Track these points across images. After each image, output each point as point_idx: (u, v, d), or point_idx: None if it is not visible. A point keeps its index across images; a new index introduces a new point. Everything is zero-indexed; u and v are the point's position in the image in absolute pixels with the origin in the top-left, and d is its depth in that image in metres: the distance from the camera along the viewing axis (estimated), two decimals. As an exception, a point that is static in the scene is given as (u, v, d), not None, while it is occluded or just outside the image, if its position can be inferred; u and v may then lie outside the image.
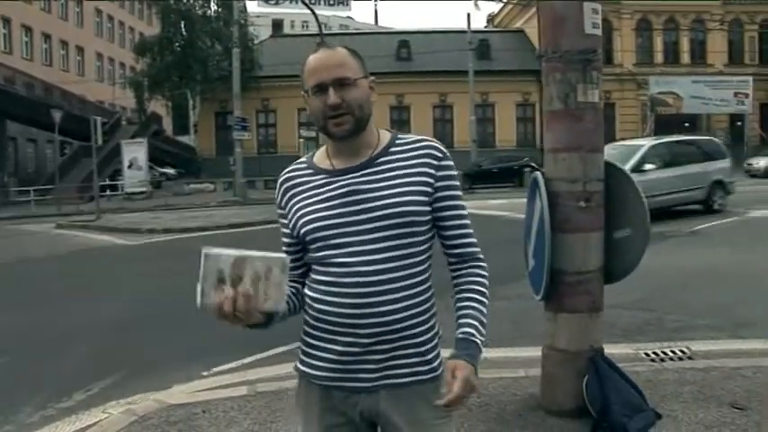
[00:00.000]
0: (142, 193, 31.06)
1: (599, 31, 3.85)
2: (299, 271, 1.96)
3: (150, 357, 6.40)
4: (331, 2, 46.76)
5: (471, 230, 1.93)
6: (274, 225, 10.48)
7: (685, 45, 43.34)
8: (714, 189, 15.91)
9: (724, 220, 14.30)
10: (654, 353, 5.38)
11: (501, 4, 49.33)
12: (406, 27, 58.79)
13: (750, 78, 40.36)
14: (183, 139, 47.46)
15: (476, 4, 37.34)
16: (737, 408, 4.06)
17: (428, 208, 1.84)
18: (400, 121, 43.84)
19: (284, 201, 1.93)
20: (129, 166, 31.68)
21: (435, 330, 1.88)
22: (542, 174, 4.02)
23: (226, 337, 6.89)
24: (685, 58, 43.21)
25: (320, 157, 1.94)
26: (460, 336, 1.81)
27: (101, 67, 51.21)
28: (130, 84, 44.11)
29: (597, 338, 4.03)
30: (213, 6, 40.07)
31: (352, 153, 1.86)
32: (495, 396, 4.44)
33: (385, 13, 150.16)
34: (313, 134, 36.07)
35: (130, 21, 55.83)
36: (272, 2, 43.91)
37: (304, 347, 1.94)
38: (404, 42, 44.76)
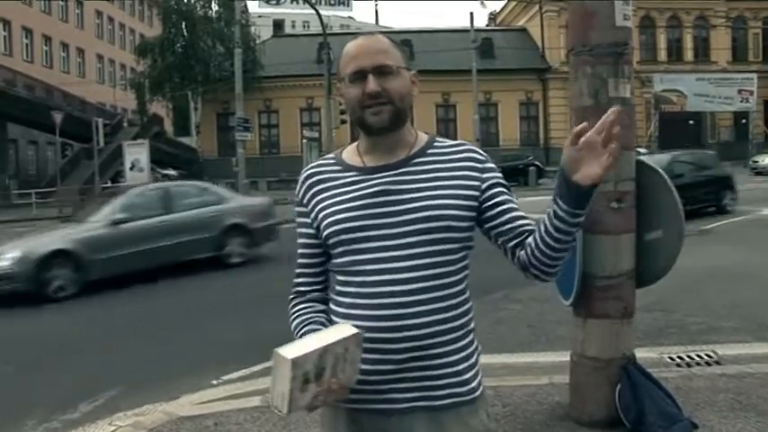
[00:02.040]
0: (144, 195, 30.85)
1: (630, 23, 3.67)
2: (320, 278, 1.81)
3: (158, 366, 6.23)
4: (332, 2, 46.55)
5: (529, 221, 1.73)
6: (280, 227, 10.29)
7: (689, 42, 43.20)
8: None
9: (734, 219, 14.14)
10: (679, 357, 5.22)
11: (504, 2, 49.26)
12: (407, 26, 58.49)
13: (754, 76, 40.21)
14: (185, 140, 47.35)
15: (482, 3, 37.57)
16: (777, 417, 3.88)
17: (467, 213, 1.67)
18: (401, 120, 43.72)
19: (307, 198, 1.77)
20: (131, 168, 31.41)
21: (474, 347, 1.72)
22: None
23: (234, 343, 6.83)
24: (689, 55, 43.07)
25: (350, 153, 1.79)
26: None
27: (101, 69, 51.04)
28: (131, 85, 43.99)
29: (629, 345, 3.84)
30: (215, 7, 40.00)
31: (386, 150, 1.72)
32: (520, 405, 4.26)
33: (385, 13, 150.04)
34: (316, 135, 36.05)
35: (131, 22, 55.65)
36: (273, 2, 43.76)
37: None
38: (406, 41, 44.41)
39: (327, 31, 25.90)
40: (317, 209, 1.73)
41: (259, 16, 48.72)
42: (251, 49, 37.70)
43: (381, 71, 1.66)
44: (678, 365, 5.03)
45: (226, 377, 5.64)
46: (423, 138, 1.77)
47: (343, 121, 26.94)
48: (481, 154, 1.76)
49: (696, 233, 12.41)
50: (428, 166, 1.70)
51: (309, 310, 1.78)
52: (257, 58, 39.04)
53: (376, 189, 1.67)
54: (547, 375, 4.83)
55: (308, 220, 1.76)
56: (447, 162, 1.71)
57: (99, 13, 50.37)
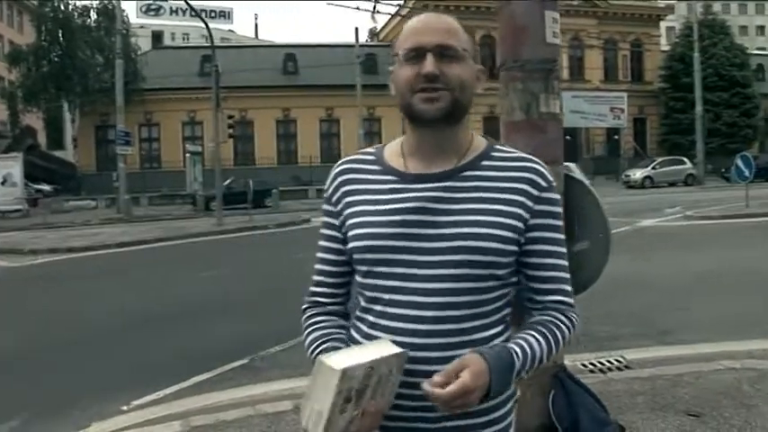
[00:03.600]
0: (18, 210, 29.18)
1: (559, 41, 3.78)
2: (342, 290, 1.58)
3: (56, 393, 5.80)
4: (213, 14, 45.88)
5: (568, 286, 1.51)
6: (167, 243, 10.19)
7: (565, 61, 45.30)
8: None
9: (619, 230, 14.86)
10: (591, 363, 5.42)
11: (386, 20, 49.93)
12: (289, 41, 58.46)
13: (624, 94, 42.71)
14: (59, 153, 45.19)
15: (372, 17, 37.82)
16: (693, 415, 4.10)
17: (513, 248, 1.43)
18: (286, 135, 43.63)
19: (337, 196, 1.53)
20: (3, 183, 29.68)
21: (507, 395, 1.46)
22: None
23: (138, 366, 6.52)
24: (565, 74, 45.10)
25: (392, 152, 1.53)
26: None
27: (-34, 77, 47.98)
28: (2, 95, 41.55)
29: (560, 355, 3.94)
30: (93, 15, 38.38)
31: (434, 152, 1.46)
32: (450, 417, 4.28)
33: (266, 28, 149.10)
34: (199, 149, 35.21)
35: (-1, 29, 52.63)
36: (153, 13, 42.69)
37: None
38: (290, 56, 44.61)
39: (207, 44, 25.33)
40: (346, 213, 1.51)
41: (141, 27, 47.34)
42: (132, 60, 36.47)
43: (443, 52, 1.40)
44: (592, 371, 5.22)
45: (136, 402, 5.34)
46: (479, 144, 1.50)
47: (231, 135, 26.46)
48: (544, 177, 1.46)
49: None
50: (478, 182, 1.44)
51: (329, 324, 1.56)
52: (138, 70, 37.84)
53: (414, 204, 1.42)
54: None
55: (337, 223, 1.53)
56: (501, 180, 1.44)
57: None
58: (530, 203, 1.43)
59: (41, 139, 46.31)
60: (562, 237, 1.50)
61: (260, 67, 40.71)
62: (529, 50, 3.71)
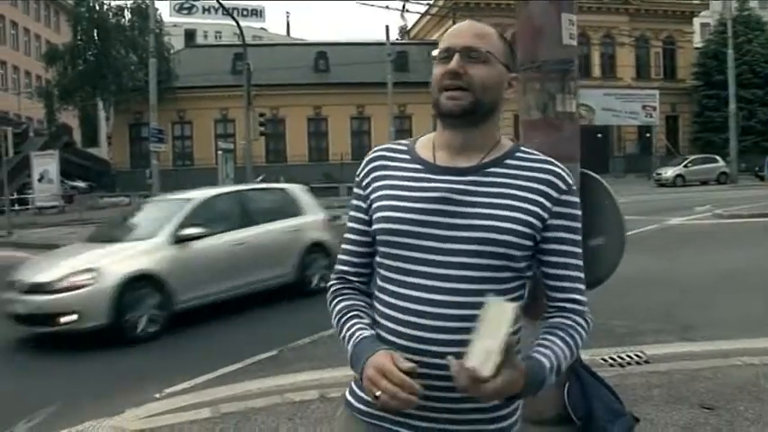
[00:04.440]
0: (54, 207, 29.78)
1: (575, 42, 3.89)
2: (367, 270, 1.65)
3: (92, 382, 6.09)
4: (245, 12, 46.33)
5: (581, 285, 1.57)
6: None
7: (596, 59, 45.02)
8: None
9: (646, 228, 14.82)
10: (611, 358, 5.51)
11: (417, 16, 50.00)
12: (321, 38, 58.85)
13: (656, 92, 42.27)
14: (94, 151, 45.94)
15: (402, 16, 38.00)
16: (707, 408, 4.18)
17: (529, 243, 1.50)
18: (318, 133, 43.89)
19: (367, 181, 1.63)
20: (40, 180, 30.34)
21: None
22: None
23: (171, 357, 6.75)
24: (596, 71, 44.85)
25: (423, 145, 1.63)
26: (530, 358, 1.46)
27: (4, 76, 48.99)
28: (39, 93, 42.38)
29: (575, 346, 4.05)
30: (128, 15, 38.99)
31: (461, 149, 1.55)
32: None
33: (298, 25, 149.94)
34: (231, 146, 35.61)
35: (37, 28, 53.58)
36: (185, 11, 43.22)
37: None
38: (321, 54, 44.79)
39: (239, 43, 25.69)
40: (373, 196, 1.60)
41: (174, 25, 47.92)
42: (165, 59, 36.96)
43: (469, 54, 1.51)
44: (611, 365, 5.31)
45: (168, 390, 5.56)
46: (505, 144, 1.59)
47: (262, 133, 26.80)
48: (565, 180, 1.53)
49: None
50: (501, 179, 1.51)
51: (355, 297, 1.64)
52: (171, 69, 38.35)
53: (438, 194, 1.51)
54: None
55: (364, 205, 1.63)
56: (523, 179, 1.52)
57: (1, 18, 48.36)
58: (549, 204, 1.51)
59: (77, 136, 47.09)
60: (579, 238, 1.57)
61: (291, 65, 40.97)
62: (545, 51, 3.82)
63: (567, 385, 3.94)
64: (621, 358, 5.47)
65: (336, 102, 42.45)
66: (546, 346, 1.47)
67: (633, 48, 45.34)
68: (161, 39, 36.61)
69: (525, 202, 1.50)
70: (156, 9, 31.58)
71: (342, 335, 1.58)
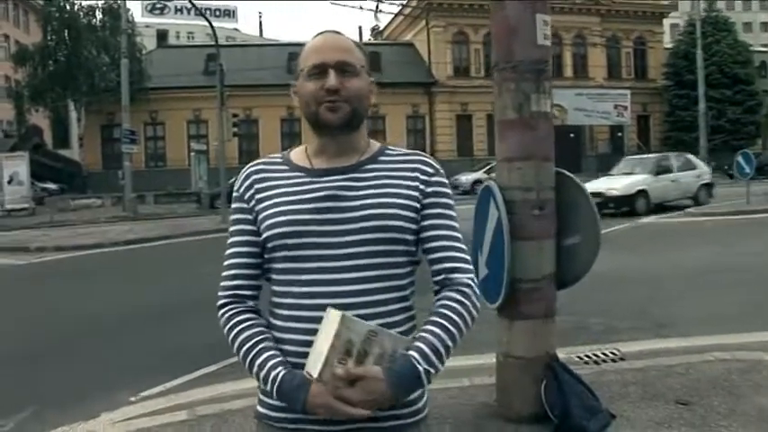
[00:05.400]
0: (24, 209, 29.36)
1: (549, 43, 3.93)
2: (258, 282, 1.68)
3: (67, 385, 5.97)
4: (217, 13, 46.01)
5: (462, 254, 1.65)
6: (172, 240, 10.34)
7: (568, 59, 45.38)
8: None
9: (619, 227, 14.98)
10: (587, 356, 5.56)
11: (389, 19, 50.01)
12: (294, 39, 58.37)
13: (628, 92, 42.70)
14: (65, 152, 45.39)
15: (375, 16, 38.06)
16: (682, 403, 4.23)
17: (414, 226, 1.61)
18: (291, 134, 43.72)
19: (249, 194, 1.67)
20: (10, 182, 29.85)
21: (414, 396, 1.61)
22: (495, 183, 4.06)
23: (145, 359, 6.68)
24: (568, 71, 45.20)
25: (298, 155, 1.71)
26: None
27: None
28: (9, 95, 41.74)
29: (552, 344, 4.10)
30: (99, 15, 38.52)
31: (337, 154, 1.65)
32: (446, 407, 4.41)
33: (271, 26, 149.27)
34: (204, 147, 35.43)
35: (5, 28, 52.72)
36: (157, 11, 42.81)
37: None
38: (295, 54, 43.70)
39: (212, 43, 25.51)
40: (259, 207, 1.64)
41: (146, 26, 47.50)
42: (137, 59, 36.58)
43: (344, 69, 1.60)
44: (586, 363, 5.36)
45: (143, 393, 5.49)
46: (374, 145, 1.72)
47: (236, 134, 26.64)
48: (431, 166, 1.68)
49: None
50: (378, 173, 1.64)
51: (257, 322, 1.64)
52: (143, 69, 37.96)
53: (324, 193, 1.59)
54: (466, 377, 5.01)
55: (250, 217, 1.65)
56: (396, 171, 1.65)
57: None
58: (422, 186, 1.64)
59: (47, 138, 46.51)
60: (454, 214, 1.68)
61: (265, 66, 40.78)
62: (521, 52, 3.86)
63: (543, 383, 3.99)
64: (597, 356, 5.53)
65: (309, 102, 42.25)
66: (420, 338, 1.53)
67: (605, 48, 45.79)
68: (133, 39, 36.30)
69: (403, 188, 1.62)
70: (128, 9, 31.29)
71: (252, 368, 1.58)
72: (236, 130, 25.07)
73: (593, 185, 16.56)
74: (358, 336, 1.42)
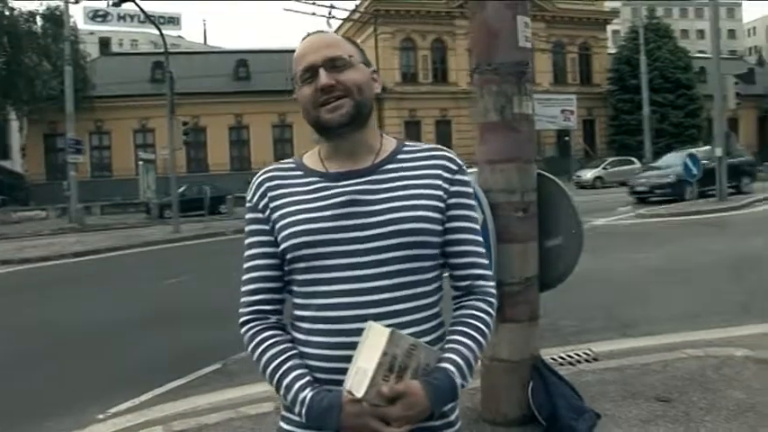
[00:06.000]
0: (-37, 223, 28.44)
1: (530, 45, 3.94)
2: (281, 296, 1.60)
3: (27, 405, 5.73)
4: (161, 20, 45.36)
5: (485, 260, 1.60)
6: (124, 252, 10.25)
7: (515, 65, 45.93)
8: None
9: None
10: (561, 357, 5.58)
11: (338, 25, 49.94)
12: (240, 46, 57.98)
13: (574, 97, 43.44)
14: (6, 163, 44.04)
15: (328, 23, 37.77)
16: (663, 400, 4.29)
17: (440, 227, 1.54)
18: (239, 141, 43.43)
19: (263, 203, 1.58)
20: (-54, 194, 28.92)
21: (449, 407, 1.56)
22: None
23: (110, 374, 6.48)
24: (516, 77, 45.75)
25: (311, 159, 1.62)
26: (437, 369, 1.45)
27: None
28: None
29: (536, 346, 4.10)
30: (40, 21, 37.46)
31: (351, 155, 1.56)
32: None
33: (215, 33, 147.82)
34: (152, 156, 34.79)
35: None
36: (100, 19, 41.97)
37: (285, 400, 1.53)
38: (242, 61, 44.44)
39: (157, 51, 25.07)
40: (275, 215, 1.55)
41: (91, 33, 46.53)
42: (81, 67, 35.73)
43: (333, 64, 1.52)
44: (561, 364, 5.38)
45: (112, 410, 5.31)
46: (390, 142, 1.62)
47: (186, 142, 26.23)
48: (455, 162, 1.59)
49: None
50: (398, 173, 1.55)
51: (281, 339, 1.55)
52: (87, 77, 37.22)
53: (343, 198, 1.50)
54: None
55: (267, 227, 1.57)
56: (418, 168, 1.56)
57: None
58: (446, 185, 1.55)
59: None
60: (475, 215, 1.62)
61: (211, 74, 40.45)
62: (502, 54, 3.86)
63: (530, 385, 3.98)
64: (571, 357, 5.56)
65: (258, 110, 42.22)
66: (452, 350, 1.48)
67: (551, 53, 46.57)
68: (76, 46, 35.46)
69: (426, 188, 1.53)
70: (71, 16, 30.59)
71: (279, 389, 1.50)
72: (186, 137, 24.66)
73: None
74: (401, 351, 1.35)
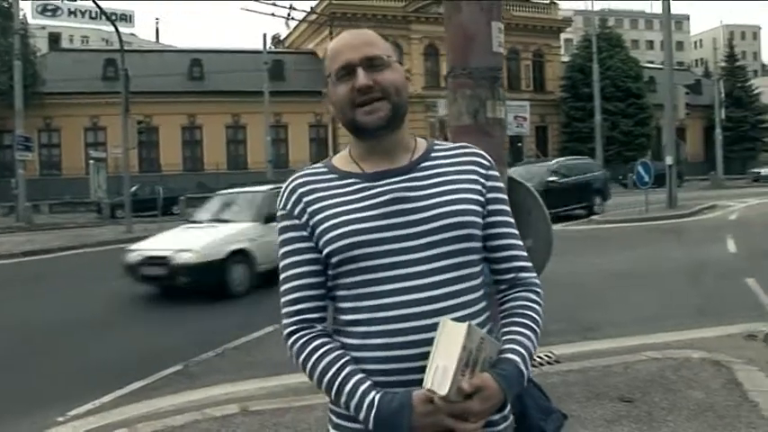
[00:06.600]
0: None
1: (503, 50, 3.99)
2: (325, 303, 1.53)
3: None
4: (113, 17, 44.60)
5: (525, 252, 1.61)
6: (75, 251, 10.13)
7: (470, 71, 46.39)
8: None
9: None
10: (524, 359, 5.66)
11: (293, 27, 49.79)
12: (193, 46, 57.18)
13: (527, 103, 43.93)
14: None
15: (287, 24, 37.77)
16: (626, 401, 4.39)
17: (482, 220, 1.52)
18: (192, 142, 42.92)
19: (299, 209, 1.51)
20: None
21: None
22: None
23: (68, 376, 6.35)
24: (470, 82, 46.20)
25: (342, 161, 1.58)
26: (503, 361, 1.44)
27: None
28: None
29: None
30: (-12, 14, 36.49)
31: (386, 156, 1.53)
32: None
33: (168, 32, 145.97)
34: (103, 155, 34.14)
35: None
36: (49, 14, 41.04)
37: (337, 408, 1.48)
38: (196, 61, 43.87)
39: (110, 48, 24.64)
40: (314, 220, 1.49)
41: (42, 27, 45.46)
42: (30, 62, 34.82)
43: (371, 63, 1.48)
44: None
45: (72, 412, 5.19)
46: (422, 141, 1.61)
47: (141, 141, 25.83)
48: (486, 158, 1.60)
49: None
50: (437, 169, 1.53)
51: (333, 346, 1.48)
52: (37, 72, 36.29)
53: (387, 197, 1.47)
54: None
55: (305, 234, 1.50)
56: (455, 165, 1.55)
57: None
58: (483, 180, 1.56)
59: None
60: (510, 210, 1.62)
61: (165, 72, 39.76)
62: (476, 59, 3.90)
63: (500, 386, 4.03)
64: (533, 359, 5.64)
65: (211, 110, 41.75)
66: (513, 341, 1.48)
67: (505, 60, 47.07)
68: (26, 41, 34.60)
69: (466, 183, 1.53)
70: (21, 10, 29.88)
71: (340, 397, 1.43)
72: (140, 136, 24.30)
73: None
74: (475, 345, 1.34)
